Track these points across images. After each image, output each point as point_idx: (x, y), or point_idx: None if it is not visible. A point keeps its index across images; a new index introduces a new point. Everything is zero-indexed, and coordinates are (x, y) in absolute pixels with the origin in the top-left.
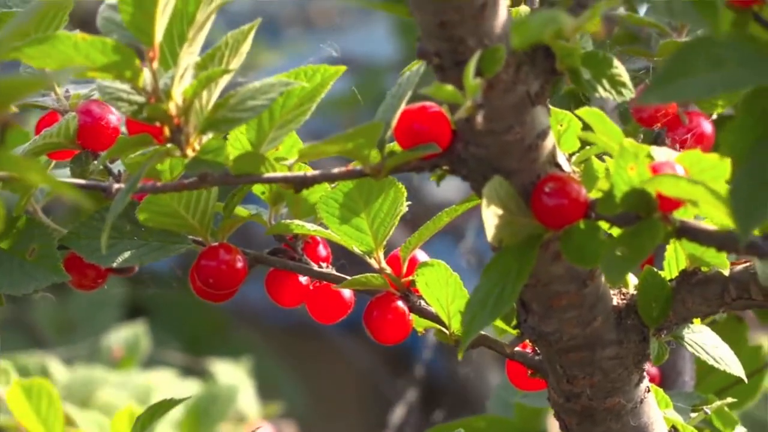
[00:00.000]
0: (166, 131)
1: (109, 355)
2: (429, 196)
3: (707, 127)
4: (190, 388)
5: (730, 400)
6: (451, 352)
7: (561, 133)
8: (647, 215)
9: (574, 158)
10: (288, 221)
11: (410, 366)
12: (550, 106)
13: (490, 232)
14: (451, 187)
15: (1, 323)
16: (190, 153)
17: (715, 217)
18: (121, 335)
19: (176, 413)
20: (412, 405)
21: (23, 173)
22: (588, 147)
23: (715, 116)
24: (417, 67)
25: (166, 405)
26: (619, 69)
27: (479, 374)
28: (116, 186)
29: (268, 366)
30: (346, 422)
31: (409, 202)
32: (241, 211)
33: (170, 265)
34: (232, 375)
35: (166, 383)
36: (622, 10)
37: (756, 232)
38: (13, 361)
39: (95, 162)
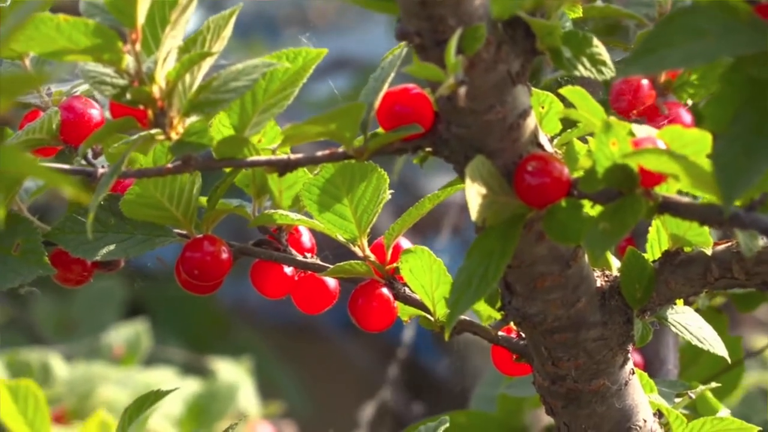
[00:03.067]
0: (150, 114)
1: (110, 352)
2: (421, 189)
3: (686, 116)
4: (190, 385)
5: (714, 385)
6: (448, 349)
7: (543, 115)
8: (629, 191)
9: (555, 141)
10: (271, 211)
11: (410, 366)
12: (532, 88)
13: (473, 211)
14: (443, 180)
15: (2, 322)
16: (174, 136)
17: (696, 191)
18: (122, 333)
19: (176, 410)
20: (391, 401)
21: (19, 167)
22: (570, 130)
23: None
24: (399, 50)
25: (154, 397)
26: (599, 48)
27: (477, 371)
28: (101, 170)
29: (268, 365)
30: (346, 422)
31: (406, 198)
32: (225, 204)
33: (157, 256)
34: (232, 373)
35: (167, 381)
36: (600, 2)
37: (737, 204)
38: (14, 357)
39: (79, 158)
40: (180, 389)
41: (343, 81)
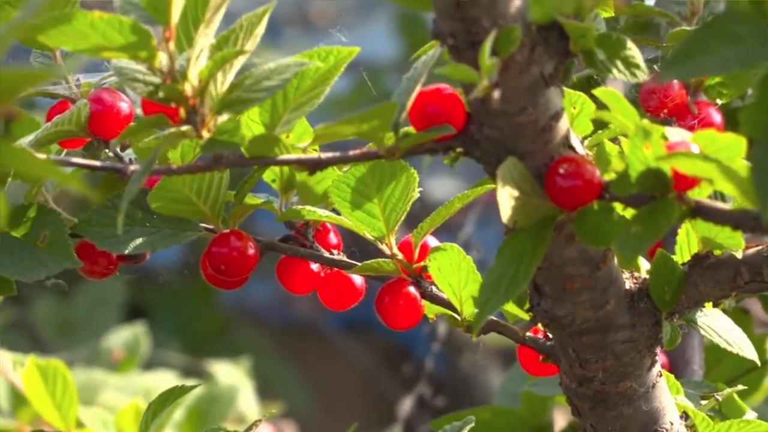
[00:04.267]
0: (182, 112)
1: (110, 357)
2: (428, 194)
3: (716, 116)
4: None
5: (740, 387)
6: (454, 349)
7: (574, 116)
8: (662, 195)
9: (587, 142)
10: (299, 207)
11: (410, 366)
12: (565, 88)
13: (504, 213)
14: (451, 186)
15: (2, 324)
16: (205, 134)
17: (730, 195)
18: (121, 337)
19: (176, 414)
20: (414, 400)
21: (28, 167)
22: (601, 131)
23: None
24: (432, 50)
25: (177, 392)
26: (633, 51)
27: (481, 373)
28: (132, 167)
29: (268, 366)
30: (346, 422)
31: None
32: (252, 199)
33: (183, 251)
34: (232, 375)
35: (167, 385)
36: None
37: None
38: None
39: (107, 150)
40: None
41: (344, 81)
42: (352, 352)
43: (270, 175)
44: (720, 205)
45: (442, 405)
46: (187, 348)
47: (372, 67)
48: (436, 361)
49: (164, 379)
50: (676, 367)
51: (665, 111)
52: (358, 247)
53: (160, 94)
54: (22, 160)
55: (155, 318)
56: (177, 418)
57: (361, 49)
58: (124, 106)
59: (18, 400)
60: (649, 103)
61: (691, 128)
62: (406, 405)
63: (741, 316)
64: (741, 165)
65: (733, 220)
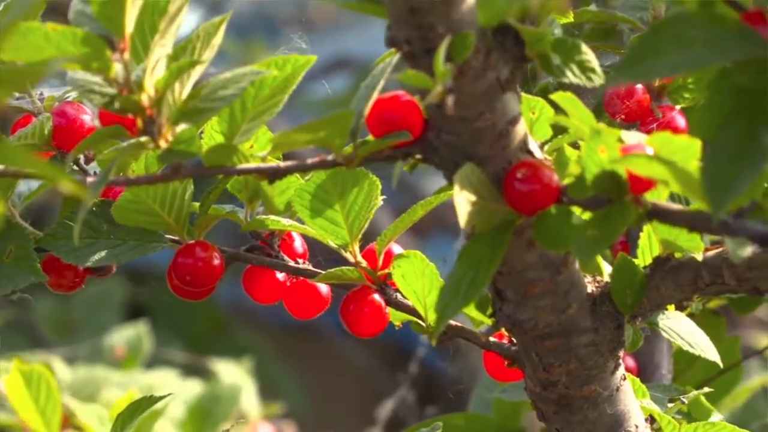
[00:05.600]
0: (139, 123)
1: (112, 355)
2: (421, 190)
3: (680, 120)
4: (192, 387)
5: (707, 389)
6: (451, 351)
7: (533, 121)
8: (618, 198)
9: (546, 147)
10: (263, 217)
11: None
12: (523, 94)
13: (462, 218)
14: (443, 182)
15: (2, 324)
16: (163, 144)
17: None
18: (124, 335)
19: (179, 413)
20: (406, 402)
21: (17, 162)
22: (561, 136)
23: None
24: (390, 58)
25: (147, 402)
26: (588, 55)
27: (476, 375)
28: (89, 179)
29: (268, 366)
30: (346, 422)
31: (406, 199)
32: (217, 210)
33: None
34: (233, 375)
35: (169, 383)
36: (593, 6)
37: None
38: (15, 360)
39: (72, 164)
40: (175, 393)
41: (343, 80)
42: (351, 353)
43: (235, 185)
44: (676, 207)
45: (439, 407)
46: (187, 347)
47: (370, 68)
48: (433, 362)
49: (166, 377)
50: (645, 371)
51: (628, 115)
52: (325, 255)
53: (116, 105)
54: (21, 159)
55: (155, 317)
56: (179, 416)
57: (359, 49)
58: (87, 119)
59: None
60: (613, 107)
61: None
62: (398, 404)
63: (712, 319)
64: (695, 166)
65: (689, 221)
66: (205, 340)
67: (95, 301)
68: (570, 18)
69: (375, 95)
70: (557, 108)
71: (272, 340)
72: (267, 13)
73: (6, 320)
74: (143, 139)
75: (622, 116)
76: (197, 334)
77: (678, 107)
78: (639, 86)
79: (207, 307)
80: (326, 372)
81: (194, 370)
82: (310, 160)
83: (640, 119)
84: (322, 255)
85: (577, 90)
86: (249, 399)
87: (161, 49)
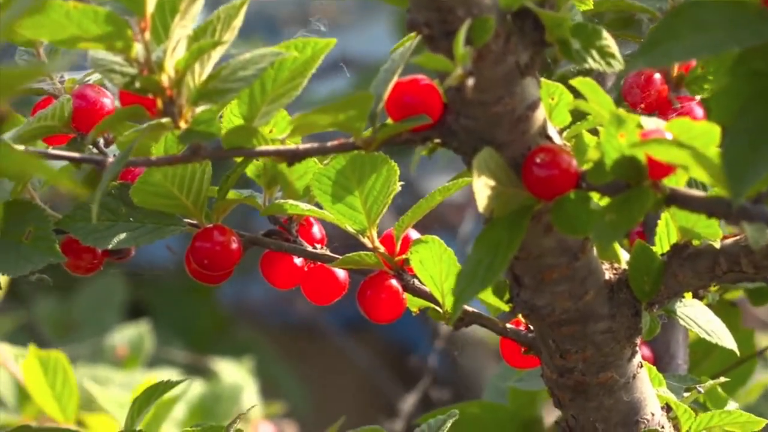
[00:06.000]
0: (159, 103)
1: (113, 354)
2: (422, 188)
3: (698, 110)
4: (193, 387)
5: (723, 379)
6: (455, 347)
7: (552, 107)
8: (637, 183)
9: (565, 133)
10: (282, 201)
11: (410, 366)
12: (542, 79)
13: (481, 203)
14: (443, 180)
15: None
16: (182, 125)
17: (704, 182)
18: (125, 335)
19: (179, 412)
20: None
21: (19, 165)
22: (579, 122)
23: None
24: (410, 42)
25: (163, 387)
26: (609, 40)
27: (479, 371)
28: (110, 159)
29: (269, 365)
30: (347, 421)
31: (406, 197)
32: (235, 194)
33: (167, 245)
34: (235, 374)
35: None
36: None
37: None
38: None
39: (91, 147)
40: (186, 383)
41: (344, 80)
42: (352, 352)
43: (254, 170)
44: (694, 192)
45: (442, 403)
46: (188, 347)
47: (371, 67)
48: (437, 358)
49: (167, 377)
50: (661, 361)
51: (647, 105)
52: (342, 242)
53: (137, 85)
54: (12, 159)
55: (155, 317)
56: (180, 416)
57: (360, 49)
58: (107, 101)
59: (23, 395)
60: (631, 97)
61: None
62: (409, 402)
63: (729, 309)
64: (715, 152)
65: (707, 207)
66: (206, 338)
67: (96, 301)
68: (590, 5)
69: (394, 79)
70: (576, 94)
71: (273, 340)
72: (267, 13)
73: (4, 318)
74: (163, 120)
75: (642, 106)
76: (198, 334)
77: (697, 97)
78: (657, 76)
79: (208, 305)
80: (327, 371)
81: (195, 369)
82: (329, 143)
83: (659, 109)
84: (339, 242)
85: (596, 81)
86: (251, 399)
87: (182, 30)
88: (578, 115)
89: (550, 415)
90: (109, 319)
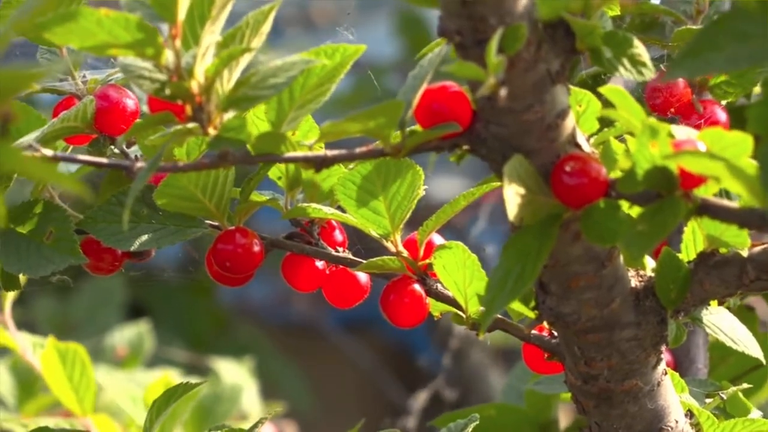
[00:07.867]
0: (188, 109)
1: (113, 354)
2: (431, 196)
3: (721, 114)
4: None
5: (745, 386)
6: (458, 349)
7: (580, 114)
8: (668, 193)
9: (592, 140)
10: (305, 204)
11: (411, 366)
12: (570, 86)
13: (511, 210)
14: (453, 187)
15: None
16: (211, 131)
17: (737, 193)
18: (125, 335)
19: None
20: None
21: (25, 169)
22: (607, 129)
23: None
24: (439, 48)
25: (182, 389)
26: (640, 49)
27: (483, 372)
28: (138, 164)
29: (269, 365)
30: (347, 421)
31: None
32: (258, 196)
33: (186, 247)
34: (235, 374)
35: (170, 382)
36: None
37: None
38: (18, 360)
39: (112, 147)
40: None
41: (344, 80)
42: (352, 351)
43: (276, 172)
44: (726, 203)
45: (447, 403)
46: (188, 347)
47: (372, 67)
48: (439, 360)
49: (168, 377)
50: (681, 365)
51: (671, 109)
52: (363, 245)
53: (167, 92)
54: (19, 162)
55: (155, 317)
56: (182, 416)
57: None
58: (130, 102)
59: (23, 395)
60: (655, 101)
61: (696, 127)
62: (419, 400)
63: (746, 314)
64: (747, 163)
65: (740, 218)
66: (207, 339)
67: (96, 301)
68: (617, 11)
69: (424, 86)
70: (604, 101)
71: (273, 339)
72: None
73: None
74: (192, 125)
75: (665, 111)
76: (198, 333)
77: (723, 102)
78: (680, 81)
79: (208, 305)
80: (328, 371)
81: (195, 369)
82: (358, 150)
83: (682, 114)
84: (362, 244)
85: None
86: (251, 398)
87: (211, 37)
88: (605, 121)
89: (565, 417)
90: (108, 319)
